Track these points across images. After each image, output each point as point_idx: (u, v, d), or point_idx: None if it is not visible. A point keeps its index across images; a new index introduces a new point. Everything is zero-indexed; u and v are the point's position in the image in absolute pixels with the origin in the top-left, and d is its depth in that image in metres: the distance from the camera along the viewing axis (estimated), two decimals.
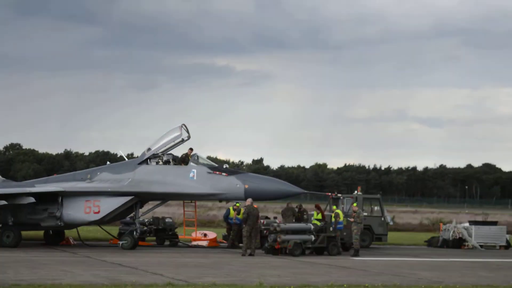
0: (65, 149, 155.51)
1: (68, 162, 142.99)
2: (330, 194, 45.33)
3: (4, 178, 42.95)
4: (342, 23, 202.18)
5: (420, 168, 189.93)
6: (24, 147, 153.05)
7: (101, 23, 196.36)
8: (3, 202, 36.57)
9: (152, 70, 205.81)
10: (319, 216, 38.56)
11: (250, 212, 36.20)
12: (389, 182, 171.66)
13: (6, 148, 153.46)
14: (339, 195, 44.74)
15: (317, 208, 39.59)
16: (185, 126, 38.76)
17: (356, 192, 44.18)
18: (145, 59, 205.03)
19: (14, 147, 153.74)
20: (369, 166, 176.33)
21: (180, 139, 38.79)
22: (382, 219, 43.87)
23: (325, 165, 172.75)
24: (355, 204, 39.36)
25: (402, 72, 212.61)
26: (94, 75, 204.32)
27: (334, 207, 41.99)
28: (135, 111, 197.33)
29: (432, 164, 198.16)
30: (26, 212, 37.78)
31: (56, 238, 40.96)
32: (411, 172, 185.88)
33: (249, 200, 36.66)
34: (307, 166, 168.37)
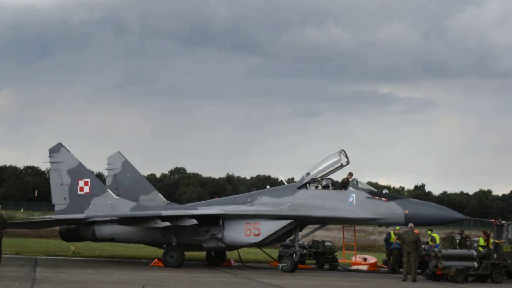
0: (227, 173, 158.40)
1: (230, 186, 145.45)
2: (494, 220, 44.04)
3: (168, 201, 44.28)
4: (509, 51, 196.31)
5: None
6: (188, 171, 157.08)
7: (265, 53, 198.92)
8: (167, 224, 37.64)
9: (315, 98, 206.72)
10: (485, 243, 37.58)
11: (404, 237, 35.82)
12: None
13: (171, 172, 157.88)
14: (503, 222, 43.37)
15: (485, 234, 38.68)
16: (344, 152, 38.70)
17: None
18: (309, 87, 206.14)
19: (179, 171, 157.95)
20: None
21: (339, 164, 38.73)
22: None
23: (489, 192, 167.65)
24: None
25: None
26: (258, 103, 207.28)
27: (429, 232, 40.27)
28: (297, 137, 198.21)
29: None
30: (189, 233, 38.72)
31: (218, 259, 41.77)
32: None
33: (410, 225, 36.20)
34: (471, 193, 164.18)
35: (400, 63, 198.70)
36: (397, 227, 40.05)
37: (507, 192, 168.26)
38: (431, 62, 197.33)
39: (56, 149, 41.70)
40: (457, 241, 38.80)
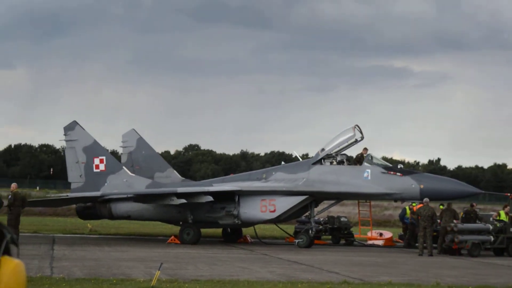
0: (242, 150, 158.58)
1: (244, 163, 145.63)
2: (509, 194, 44.03)
3: (183, 178, 44.40)
4: None
5: None
6: (202, 148, 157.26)
7: (277, 28, 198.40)
8: (183, 201, 37.77)
9: (329, 73, 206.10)
10: (506, 218, 37.44)
11: (420, 212, 35.85)
12: None
13: (185, 149, 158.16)
14: None
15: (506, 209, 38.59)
16: (358, 127, 38.67)
17: None
18: (322, 62, 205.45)
19: (193, 148, 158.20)
20: None
21: (353, 140, 38.71)
22: None
23: (504, 166, 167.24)
24: None
25: None
26: (271, 78, 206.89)
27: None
28: (311, 113, 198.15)
29: None
30: (205, 210, 38.84)
31: (234, 235, 41.90)
32: None
33: (426, 200, 36.22)
34: (486, 167, 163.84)
35: (415, 37, 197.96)
36: (414, 203, 40.02)
37: None
38: (446, 35, 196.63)
39: (71, 127, 41.78)
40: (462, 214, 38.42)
